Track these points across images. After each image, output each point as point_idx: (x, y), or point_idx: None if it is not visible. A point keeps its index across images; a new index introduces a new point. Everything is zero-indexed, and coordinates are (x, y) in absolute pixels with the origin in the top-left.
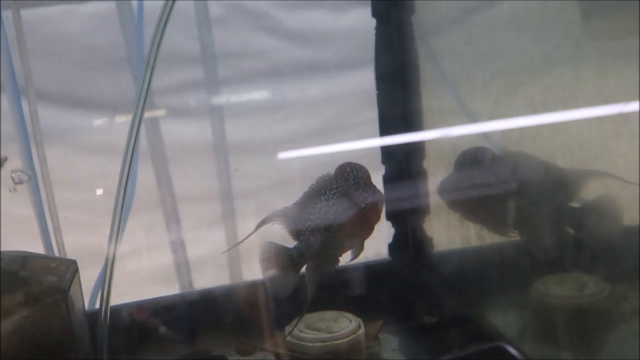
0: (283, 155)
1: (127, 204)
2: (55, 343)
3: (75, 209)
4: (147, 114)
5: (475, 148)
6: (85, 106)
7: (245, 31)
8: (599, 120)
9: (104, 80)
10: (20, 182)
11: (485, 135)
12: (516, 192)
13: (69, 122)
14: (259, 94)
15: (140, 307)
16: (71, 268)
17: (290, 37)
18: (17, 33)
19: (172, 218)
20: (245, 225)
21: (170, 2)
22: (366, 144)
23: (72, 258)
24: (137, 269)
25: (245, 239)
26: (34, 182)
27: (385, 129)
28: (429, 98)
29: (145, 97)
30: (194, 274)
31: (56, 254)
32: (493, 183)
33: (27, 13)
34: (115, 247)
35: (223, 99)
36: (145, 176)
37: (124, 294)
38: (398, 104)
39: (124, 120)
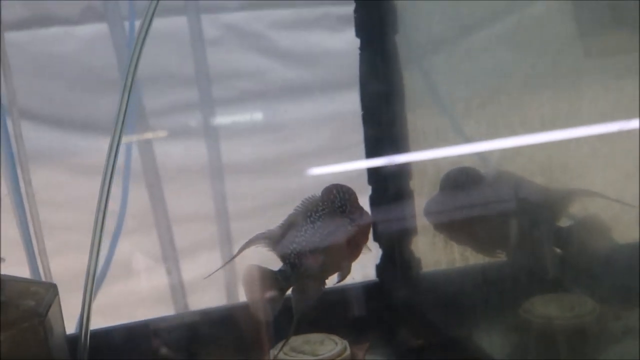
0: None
1: (117, 226)
2: None
3: (69, 231)
4: (142, 135)
5: (460, 168)
6: (78, 127)
7: (240, 52)
8: (577, 140)
9: (97, 101)
10: None
11: (481, 155)
12: (514, 212)
13: (62, 143)
14: (254, 115)
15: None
16: (50, 292)
17: (285, 58)
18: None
19: (167, 240)
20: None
21: (148, 21)
22: (371, 163)
23: (54, 282)
24: (130, 291)
25: (228, 262)
26: (19, 204)
27: (371, 150)
28: (417, 118)
29: (124, 118)
30: (190, 297)
31: (42, 277)
32: (485, 203)
33: (20, 35)
34: (95, 270)
35: (218, 119)
36: (138, 198)
37: (117, 316)
38: (383, 125)
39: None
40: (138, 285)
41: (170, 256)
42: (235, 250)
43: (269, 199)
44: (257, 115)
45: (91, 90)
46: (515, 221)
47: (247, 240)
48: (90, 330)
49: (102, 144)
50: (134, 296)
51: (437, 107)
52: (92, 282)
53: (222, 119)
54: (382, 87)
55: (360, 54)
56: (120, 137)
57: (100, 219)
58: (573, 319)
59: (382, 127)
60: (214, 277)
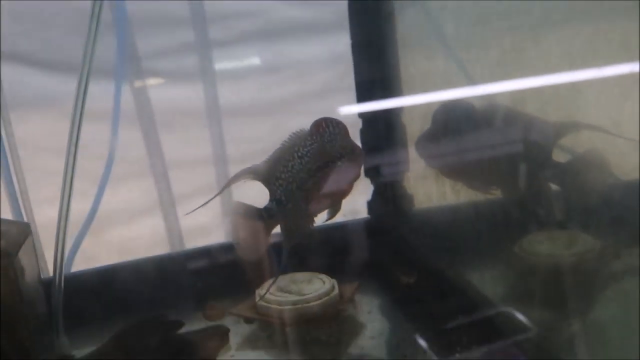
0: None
1: (105, 171)
2: (5, 308)
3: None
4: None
5: (452, 101)
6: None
7: None
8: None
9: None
10: None
11: (489, 98)
12: (510, 148)
13: (54, 87)
14: (252, 57)
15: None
16: (23, 232)
17: None
18: None
19: (163, 185)
20: (240, 191)
21: None
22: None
23: (26, 222)
24: (127, 235)
25: (213, 197)
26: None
27: (362, 94)
28: (417, 60)
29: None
30: (188, 240)
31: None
32: (478, 139)
33: None
34: (67, 212)
35: (215, 62)
36: (134, 143)
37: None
38: (374, 68)
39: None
40: (135, 230)
41: (167, 201)
42: (235, 194)
43: (269, 142)
44: (256, 57)
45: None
46: (511, 157)
47: (232, 176)
48: (72, 273)
49: (99, 88)
50: (132, 242)
51: (442, 48)
52: (65, 225)
53: (220, 61)
54: (373, 29)
55: None
56: (87, 81)
57: (71, 162)
58: (571, 257)
59: (373, 71)
60: (215, 221)
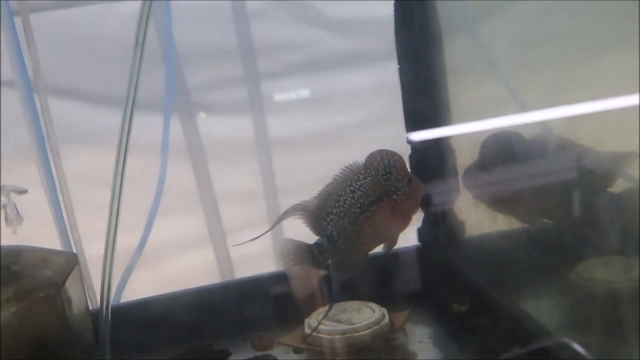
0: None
1: (153, 204)
2: (52, 339)
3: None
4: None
5: (500, 133)
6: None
7: (285, 23)
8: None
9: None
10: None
11: (543, 126)
12: (561, 180)
13: (103, 120)
14: (301, 88)
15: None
16: (70, 262)
17: (331, 28)
18: (26, 34)
19: (213, 218)
20: (291, 223)
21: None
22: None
23: (74, 252)
24: (177, 268)
25: (263, 234)
26: (50, 184)
27: (411, 121)
28: (466, 87)
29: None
30: (238, 272)
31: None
32: (528, 171)
33: (63, 13)
34: (114, 244)
35: (264, 93)
36: (184, 176)
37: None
38: (422, 97)
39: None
40: (186, 262)
41: (217, 233)
42: (286, 226)
43: (320, 173)
44: (304, 88)
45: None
46: (564, 187)
47: (282, 212)
48: (121, 303)
49: (146, 122)
50: (182, 275)
51: (492, 74)
52: (112, 256)
53: (268, 93)
54: (420, 57)
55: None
56: (132, 114)
57: (117, 193)
58: (628, 282)
59: (421, 99)
60: (264, 252)
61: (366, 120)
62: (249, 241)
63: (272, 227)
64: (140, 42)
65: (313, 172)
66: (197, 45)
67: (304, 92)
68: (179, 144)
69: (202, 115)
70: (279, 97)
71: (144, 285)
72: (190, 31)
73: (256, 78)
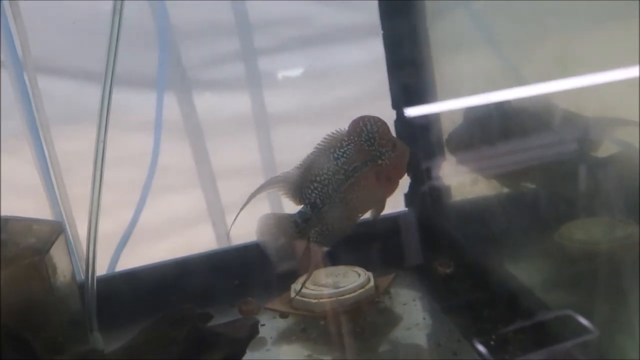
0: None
1: (146, 180)
2: (37, 304)
3: (120, 188)
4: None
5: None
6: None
7: None
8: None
9: (137, 56)
10: None
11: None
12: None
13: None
14: (299, 63)
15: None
16: (55, 230)
17: (329, 2)
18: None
19: (212, 194)
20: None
21: None
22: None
23: (58, 220)
24: (175, 244)
25: (241, 210)
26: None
27: (397, 97)
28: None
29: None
30: None
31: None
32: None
33: None
34: (97, 214)
35: (261, 69)
36: (182, 153)
37: None
38: (408, 72)
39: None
40: (184, 238)
41: (216, 210)
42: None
43: None
44: (303, 63)
45: (130, 45)
46: (546, 152)
47: (259, 185)
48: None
49: (144, 100)
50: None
51: (489, 48)
52: (97, 220)
53: (266, 69)
54: (405, 32)
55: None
56: (111, 88)
57: (99, 168)
58: (612, 244)
59: (407, 74)
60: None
61: (365, 94)
62: (232, 223)
63: (248, 201)
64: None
65: (312, 147)
66: (193, 22)
67: (302, 68)
68: (177, 121)
69: (204, 93)
70: (277, 72)
71: (141, 260)
72: (185, 8)
73: (253, 54)
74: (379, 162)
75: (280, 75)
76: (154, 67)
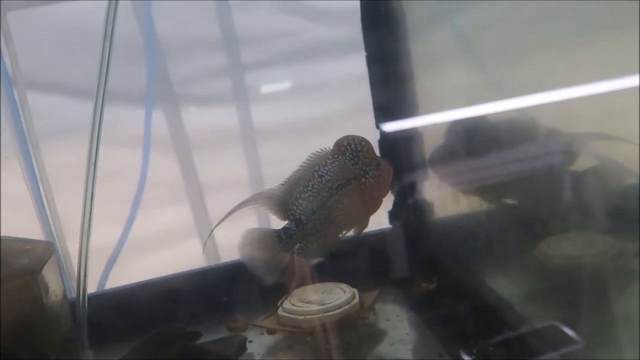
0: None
1: (136, 194)
2: (30, 324)
3: (112, 202)
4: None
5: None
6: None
7: (268, 14)
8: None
9: (125, 71)
10: None
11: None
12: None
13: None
14: (285, 78)
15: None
16: (47, 250)
17: (315, 17)
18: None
19: (199, 207)
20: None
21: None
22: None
23: (50, 241)
24: (164, 259)
25: (220, 222)
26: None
27: (380, 111)
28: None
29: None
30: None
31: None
32: (490, 151)
33: (48, 10)
34: (88, 234)
35: (248, 83)
36: (169, 167)
37: None
38: (391, 88)
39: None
40: (172, 253)
41: (203, 224)
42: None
43: None
44: (289, 78)
45: (118, 61)
46: (527, 167)
47: (242, 200)
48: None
49: (132, 115)
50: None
51: (471, 62)
52: (87, 241)
53: (252, 83)
54: (388, 49)
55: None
56: (102, 109)
57: (91, 184)
58: (592, 257)
59: (390, 90)
60: None
61: (352, 109)
62: (208, 237)
63: (227, 216)
64: (108, 34)
65: (299, 162)
66: (180, 37)
67: (288, 82)
68: (165, 136)
69: (192, 108)
70: (264, 87)
71: (130, 275)
72: (173, 23)
73: (240, 69)
74: (363, 180)
75: (266, 90)
76: (142, 83)
